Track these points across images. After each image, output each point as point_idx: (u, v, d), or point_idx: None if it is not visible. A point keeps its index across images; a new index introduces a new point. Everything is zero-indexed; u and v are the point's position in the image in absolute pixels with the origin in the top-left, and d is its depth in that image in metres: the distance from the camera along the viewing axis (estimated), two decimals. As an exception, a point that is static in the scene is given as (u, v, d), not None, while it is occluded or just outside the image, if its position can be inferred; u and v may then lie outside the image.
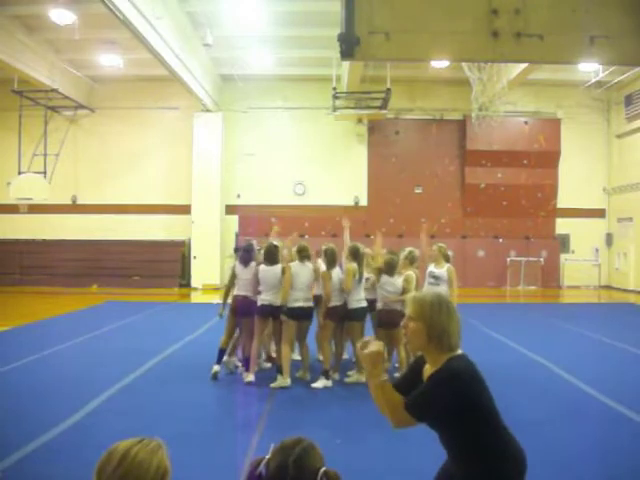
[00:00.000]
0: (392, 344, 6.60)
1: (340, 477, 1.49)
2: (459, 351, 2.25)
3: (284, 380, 6.42)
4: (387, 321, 6.44)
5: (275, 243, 6.93)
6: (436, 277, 6.77)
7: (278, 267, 6.67)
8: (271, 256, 6.70)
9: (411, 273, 6.69)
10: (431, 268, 6.92)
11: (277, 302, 6.62)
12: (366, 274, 6.87)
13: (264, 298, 6.64)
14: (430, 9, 5.18)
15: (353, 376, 6.75)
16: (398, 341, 6.46)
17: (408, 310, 2.30)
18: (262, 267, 6.71)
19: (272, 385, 6.42)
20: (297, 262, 6.69)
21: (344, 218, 7.25)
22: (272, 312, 6.66)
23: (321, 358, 6.84)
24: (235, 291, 6.89)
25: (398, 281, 6.52)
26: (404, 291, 6.40)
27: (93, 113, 18.70)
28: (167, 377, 6.83)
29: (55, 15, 12.68)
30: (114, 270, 17.89)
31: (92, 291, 17.19)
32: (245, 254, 6.97)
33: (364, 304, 6.72)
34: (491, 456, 2.17)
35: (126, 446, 1.44)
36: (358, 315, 6.69)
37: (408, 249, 7.09)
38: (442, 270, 6.76)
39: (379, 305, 6.62)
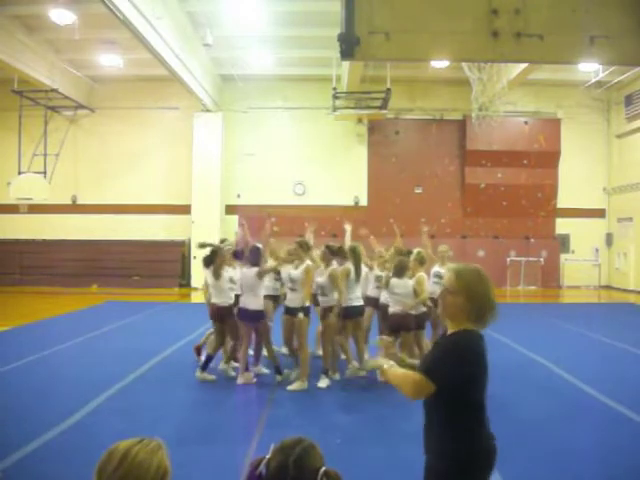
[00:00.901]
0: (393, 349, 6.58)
1: (340, 477, 1.49)
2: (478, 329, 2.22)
3: (303, 384, 6.32)
4: (399, 324, 6.30)
5: (258, 245, 6.63)
6: (440, 277, 6.83)
7: (255, 269, 6.39)
8: (253, 257, 6.44)
9: (422, 274, 6.57)
10: (436, 268, 7.17)
11: (251, 306, 6.38)
12: (378, 271, 6.95)
13: (242, 301, 6.49)
14: (430, 9, 5.19)
15: (351, 369, 6.81)
16: (405, 347, 6.38)
17: (446, 282, 2.25)
18: (244, 270, 6.52)
19: (289, 388, 6.31)
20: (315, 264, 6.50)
21: (346, 222, 7.22)
22: (250, 317, 6.43)
23: (319, 353, 6.82)
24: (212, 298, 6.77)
25: (409, 283, 6.34)
26: (416, 294, 6.27)
27: (93, 113, 18.70)
28: (167, 377, 6.83)
29: (55, 15, 12.68)
30: (114, 270, 17.89)
31: (92, 291, 17.18)
32: (208, 257, 6.73)
33: (360, 302, 6.74)
34: (468, 450, 2.17)
35: (126, 446, 1.44)
36: (353, 313, 6.69)
37: (416, 250, 6.92)
38: (445, 270, 6.82)
39: (391, 309, 6.44)
